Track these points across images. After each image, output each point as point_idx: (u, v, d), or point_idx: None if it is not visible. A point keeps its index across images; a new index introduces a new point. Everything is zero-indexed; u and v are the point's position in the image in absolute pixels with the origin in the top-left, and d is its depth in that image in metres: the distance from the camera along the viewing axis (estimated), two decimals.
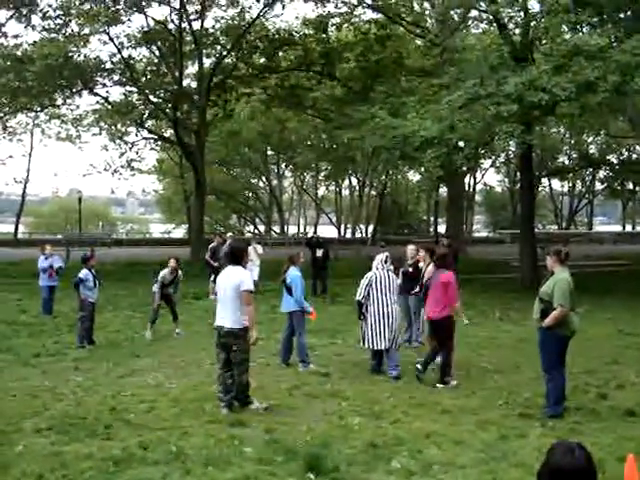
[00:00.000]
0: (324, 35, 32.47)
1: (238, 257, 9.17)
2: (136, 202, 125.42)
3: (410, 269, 13.01)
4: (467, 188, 55.51)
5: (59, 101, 33.06)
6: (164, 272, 14.90)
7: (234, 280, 8.86)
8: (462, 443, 7.58)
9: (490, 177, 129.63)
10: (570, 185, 65.09)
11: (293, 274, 11.51)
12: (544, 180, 60.00)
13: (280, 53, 33.55)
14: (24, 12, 29.51)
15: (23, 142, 47.55)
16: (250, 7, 31.83)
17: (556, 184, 65.02)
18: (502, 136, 19.47)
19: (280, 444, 7.43)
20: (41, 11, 29.26)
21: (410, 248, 13.62)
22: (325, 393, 9.75)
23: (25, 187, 55.65)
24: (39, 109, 34.98)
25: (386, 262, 11.12)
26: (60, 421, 8.41)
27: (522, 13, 21.85)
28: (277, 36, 32.52)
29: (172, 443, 7.45)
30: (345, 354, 12.65)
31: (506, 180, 63.92)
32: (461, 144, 20.54)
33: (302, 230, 67.44)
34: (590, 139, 55.50)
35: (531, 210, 25.42)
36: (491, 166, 59.01)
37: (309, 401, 9.41)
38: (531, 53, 21.75)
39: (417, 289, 12.41)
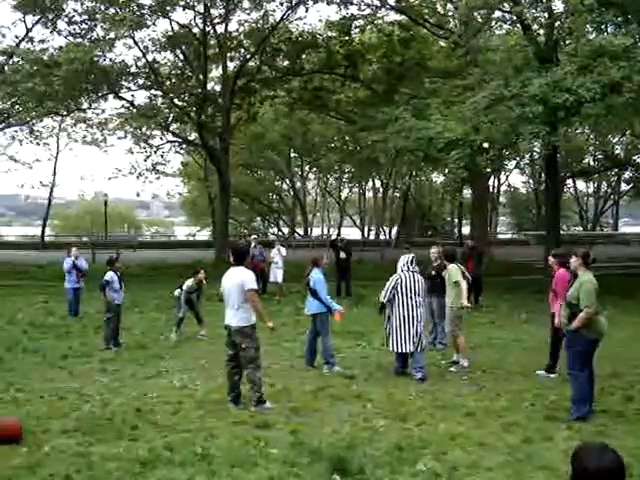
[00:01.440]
0: (347, 37, 32.48)
1: (241, 257, 9.36)
2: (161, 205, 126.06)
3: (433, 272, 12.97)
4: (491, 189, 55.23)
5: (85, 105, 33.34)
6: (189, 282, 14.97)
7: (237, 280, 9.06)
8: (487, 445, 7.57)
9: (514, 178, 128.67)
10: (595, 186, 64.59)
11: (316, 276, 11.55)
12: (569, 181, 59.59)
13: (303, 56, 33.58)
14: (50, 17, 29.82)
15: (49, 146, 48.05)
16: (274, 10, 31.92)
17: (581, 185, 64.62)
18: (527, 137, 19.37)
19: (305, 446, 7.46)
20: (67, 16, 29.55)
21: (432, 251, 13.58)
22: (350, 395, 9.76)
23: (52, 190, 56.18)
24: (65, 113, 35.28)
25: (411, 263, 11.10)
26: (87, 422, 8.49)
27: (546, 14, 21.77)
28: (300, 39, 32.61)
29: (198, 444, 7.51)
30: (370, 356, 12.66)
31: (531, 181, 63.50)
32: (485, 145, 20.46)
33: (326, 232, 67.46)
34: (615, 140, 54.96)
35: (556, 212, 25.27)
36: (515, 167, 58.72)
37: (334, 403, 9.42)
38: (555, 54, 21.63)
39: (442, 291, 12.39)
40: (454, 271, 11.86)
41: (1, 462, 7.08)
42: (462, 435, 7.89)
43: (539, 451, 7.40)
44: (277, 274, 22.02)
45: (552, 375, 10.82)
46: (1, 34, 30.79)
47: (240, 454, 7.15)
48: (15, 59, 29.70)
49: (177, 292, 15.01)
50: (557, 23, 21.80)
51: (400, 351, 10.95)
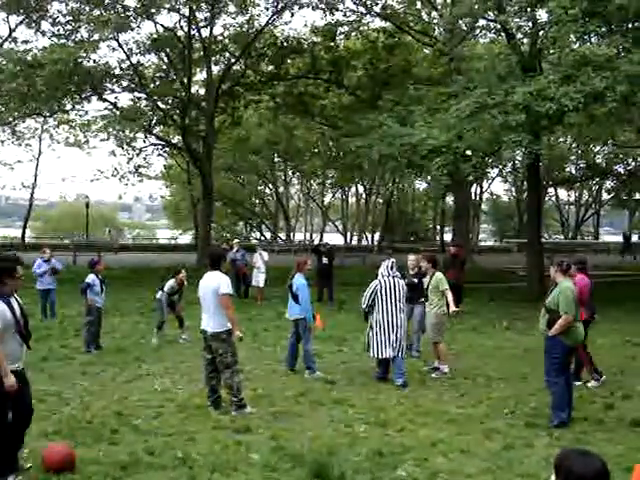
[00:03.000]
0: (332, 43, 32.60)
1: (216, 262, 9.33)
2: (143, 208, 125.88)
3: (415, 280, 12.90)
4: (474, 197, 55.52)
5: (68, 106, 33.17)
6: (171, 282, 14.93)
7: (213, 284, 9.04)
8: (468, 452, 7.58)
9: (497, 186, 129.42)
10: (577, 195, 65.06)
11: (299, 282, 11.52)
12: (551, 190, 60.01)
13: (288, 61, 33.68)
14: (34, 18, 29.69)
15: (31, 147, 47.73)
16: (259, 15, 32.00)
17: (563, 194, 65.08)
18: (510, 145, 19.46)
19: (286, 451, 7.44)
20: (51, 17, 29.44)
21: (410, 259, 13.50)
22: (331, 400, 9.75)
23: (33, 192, 55.84)
24: (48, 114, 35.09)
25: (392, 269, 11.11)
26: (67, 425, 8.44)
27: (530, 23, 21.87)
28: (286, 44, 32.67)
29: (178, 449, 7.48)
30: (351, 361, 12.65)
31: (513, 189, 63.87)
32: (468, 153, 20.52)
33: (308, 237, 67.49)
34: (597, 149, 55.41)
35: (538, 220, 25.37)
36: (498, 175, 59.02)
37: (315, 408, 9.41)
38: (539, 63, 21.75)
39: (422, 299, 12.35)
40: (443, 279, 11.84)
41: None
42: (443, 441, 7.90)
43: (520, 458, 7.43)
44: (259, 278, 22.01)
45: (602, 379, 10.84)
46: None
47: (221, 459, 7.12)
48: None
49: (159, 294, 14.96)
50: (541, 32, 21.90)
51: (381, 357, 10.95)
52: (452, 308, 11.80)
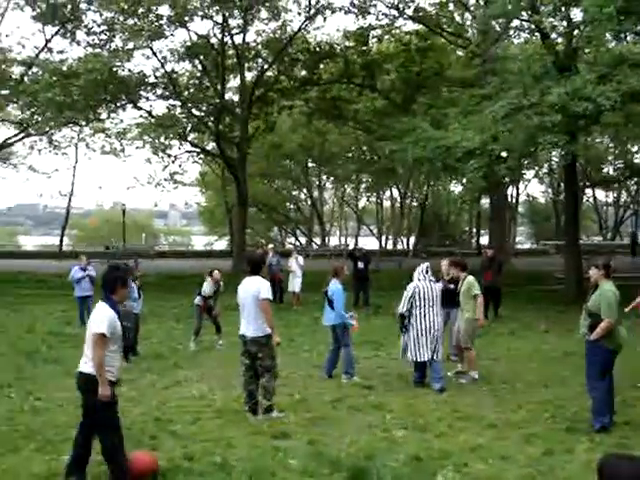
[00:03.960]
0: (365, 47, 32.57)
1: (256, 267, 9.36)
2: (178, 214, 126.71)
3: (451, 285, 12.63)
4: (510, 199, 55.02)
5: (103, 115, 33.53)
6: (207, 284, 14.99)
7: (253, 289, 9.04)
8: (508, 457, 7.48)
9: (533, 188, 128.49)
10: (615, 195, 64.14)
11: (334, 287, 11.47)
12: (588, 190, 59.24)
13: (321, 65, 33.73)
14: (69, 28, 30.08)
15: (68, 156, 48.26)
16: (291, 20, 32.12)
17: (600, 194, 64.16)
18: (546, 146, 19.26)
19: (324, 456, 7.40)
20: (86, 27, 29.80)
21: (444, 264, 13.26)
22: (369, 405, 9.70)
23: (70, 200, 56.50)
24: (84, 123, 35.47)
25: (427, 272, 11.04)
26: None
27: (565, 22, 21.66)
28: (318, 49, 32.71)
29: (217, 454, 7.47)
30: (388, 366, 12.59)
31: (549, 191, 63.19)
32: (504, 155, 20.37)
33: (343, 242, 67.42)
34: (635, 148, 54.60)
35: (575, 221, 25.07)
36: (534, 177, 58.44)
37: (353, 413, 9.37)
38: (575, 62, 21.51)
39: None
40: (474, 283, 11.66)
41: (21, 470, 7.08)
42: (482, 447, 7.81)
43: (560, 463, 7.31)
44: (295, 283, 22.03)
45: None
46: (21, 45, 31.23)
47: (259, 464, 7.10)
48: (34, 69, 30.02)
49: (197, 300, 15.03)
50: (576, 32, 21.68)
51: (418, 360, 10.87)
52: (480, 320, 11.57)
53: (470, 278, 11.68)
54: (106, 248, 48.28)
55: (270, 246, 26.79)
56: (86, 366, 6.62)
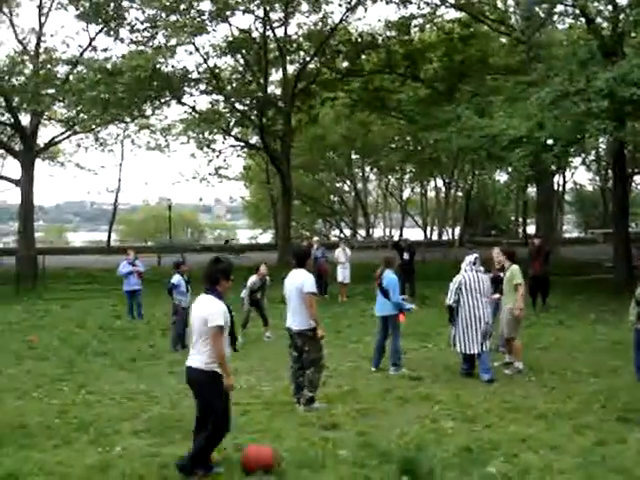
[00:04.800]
0: (407, 37, 32.36)
1: (302, 260, 9.34)
2: (223, 209, 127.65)
3: (500, 273, 12.49)
4: (557, 187, 54.29)
5: (148, 112, 33.86)
6: (253, 278, 15.06)
7: (297, 282, 9.07)
8: (559, 448, 7.40)
9: (580, 175, 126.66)
10: None
11: (389, 277, 11.44)
12: (637, 177, 58.15)
13: (363, 56, 33.61)
14: (113, 26, 30.38)
15: (114, 152, 48.95)
16: (332, 12, 32.02)
17: None
18: (593, 133, 18.96)
19: (374, 447, 7.41)
20: (129, 24, 30.09)
21: (495, 252, 13.09)
22: (417, 397, 9.68)
23: (117, 196, 57.27)
24: (129, 120, 35.87)
25: (475, 264, 10.94)
26: (156, 423, 8.60)
27: (610, 6, 21.29)
28: (360, 39, 32.60)
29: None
30: (436, 357, 12.54)
31: (597, 178, 62.23)
32: (550, 142, 20.09)
33: (388, 233, 67.28)
34: None
35: (624, 208, 24.65)
36: (581, 164, 57.59)
37: (401, 405, 9.36)
38: (621, 47, 21.14)
39: (497, 295, 11.90)
40: (517, 272, 11.51)
41: (75, 462, 7.21)
42: (532, 437, 7.74)
43: (612, 453, 7.20)
44: (344, 274, 22.00)
45: None
46: (65, 44, 31.68)
47: (308, 455, 7.13)
48: (79, 68, 30.40)
49: (243, 293, 15.12)
50: (622, 15, 21.30)
51: (467, 352, 10.80)
52: (517, 307, 11.26)
53: (514, 267, 11.53)
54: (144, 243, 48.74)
55: (315, 239, 26.83)
56: (196, 360, 6.66)
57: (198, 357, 6.64)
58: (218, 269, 6.88)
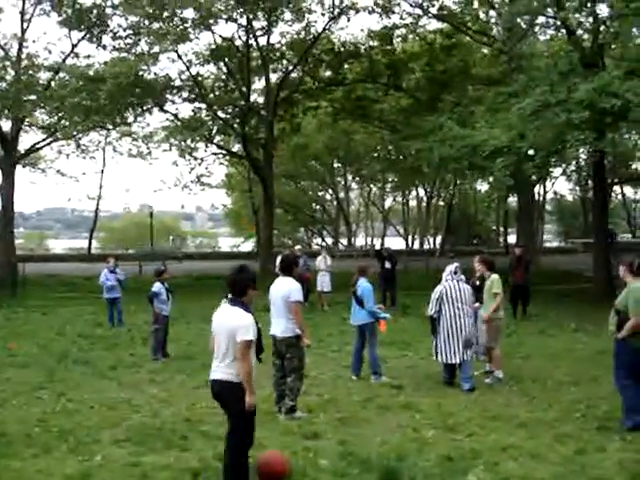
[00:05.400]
0: (389, 46, 32.52)
1: (288, 268, 9.32)
2: (205, 216, 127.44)
3: (477, 282, 12.53)
4: (537, 197, 54.59)
5: (130, 119, 33.70)
6: None
7: (283, 290, 9.08)
8: (539, 457, 7.45)
9: (561, 185, 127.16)
10: None
11: (364, 285, 11.47)
12: (616, 188, 58.62)
13: (346, 66, 33.71)
14: (95, 32, 30.30)
15: (95, 159, 48.59)
16: (315, 21, 32.04)
17: (629, 191, 63.51)
18: (574, 144, 19.09)
19: (355, 456, 7.42)
20: (112, 31, 30.05)
21: (475, 261, 13.11)
22: (398, 405, 9.69)
23: (98, 203, 56.98)
24: (111, 127, 35.72)
25: (456, 273, 10.99)
26: (137, 432, 8.57)
27: (591, 18, 21.50)
28: (343, 49, 32.71)
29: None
30: (417, 366, 12.58)
31: (577, 188, 62.64)
32: (531, 152, 20.22)
33: (369, 242, 67.36)
34: None
35: (604, 218, 24.85)
36: (562, 174, 57.94)
37: (382, 413, 9.37)
38: (601, 58, 21.35)
39: (477, 304, 11.85)
40: (496, 282, 11.53)
41: (54, 471, 7.17)
42: (513, 446, 7.77)
43: (592, 462, 7.26)
44: (325, 283, 21.99)
45: None
46: (47, 50, 31.44)
47: (290, 465, 7.13)
48: (61, 75, 30.30)
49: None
50: (602, 27, 21.51)
51: (449, 362, 10.83)
52: (486, 314, 11.29)
53: (494, 276, 11.55)
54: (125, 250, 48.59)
55: (297, 247, 26.83)
56: (225, 373, 6.43)
57: (227, 370, 6.41)
58: (245, 278, 6.67)
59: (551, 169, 42.38)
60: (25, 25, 31.67)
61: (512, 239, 51.86)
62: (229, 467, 6.41)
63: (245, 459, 6.48)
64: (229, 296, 6.65)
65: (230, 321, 6.41)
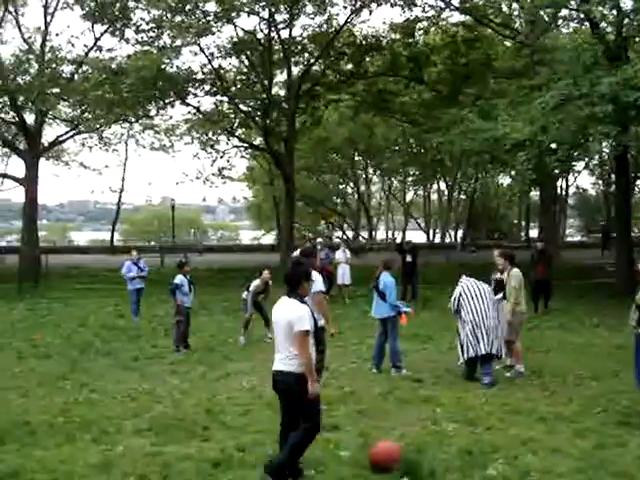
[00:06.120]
0: (411, 39, 32.37)
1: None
2: (226, 209, 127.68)
3: (499, 275, 12.47)
4: (560, 191, 54.24)
5: (153, 112, 33.88)
6: (256, 282, 15.10)
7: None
8: (559, 451, 7.43)
9: (583, 179, 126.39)
10: None
11: (387, 279, 11.49)
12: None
13: (367, 59, 33.58)
14: (118, 26, 30.42)
15: (118, 152, 48.90)
16: (337, 14, 31.97)
17: None
18: (597, 137, 18.96)
19: None
20: (134, 25, 30.11)
21: (496, 254, 13.04)
22: (418, 399, 9.71)
23: (120, 196, 57.27)
24: (133, 120, 35.92)
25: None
26: (159, 422, 8.65)
27: (615, 11, 21.30)
28: (364, 42, 32.60)
29: (268, 446, 7.54)
30: (437, 360, 12.58)
31: (600, 182, 62.12)
32: (554, 146, 20.10)
33: (390, 235, 67.23)
34: None
35: (627, 213, 24.65)
36: (584, 168, 57.48)
37: (402, 406, 9.39)
38: (625, 52, 21.15)
39: (500, 295, 11.91)
40: (516, 275, 11.47)
41: (77, 460, 7.26)
42: (533, 440, 7.77)
43: (613, 457, 7.23)
44: (344, 275, 22.05)
45: None
46: (70, 43, 31.60)
47: (310, 456, 7.13)
48: (84, 68, 30.47)
49: (245, 294, 15.18)
50: (626, 20, 21.31)
51: (472, 355, 10.80)
52: (506, 309, 11.30)
53: (515, 270, 11.50)
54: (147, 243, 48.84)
55: (319, 240, 26.87)
56: (286, 364, 6.48)
57: (288, 361, 6.47)
58: (301, 271, 6.77)
59: (574, 163, 42.15)
60: (48, 18, 31.99)
61: (534, 233, 51.56)
62: (285, 454, 6.53)
63: (309, 442, 6.61)
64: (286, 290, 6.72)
65: (287, 313, 6.52)
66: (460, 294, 10.92)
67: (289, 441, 6.55)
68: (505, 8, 33.08)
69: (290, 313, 6.47)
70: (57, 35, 32.80)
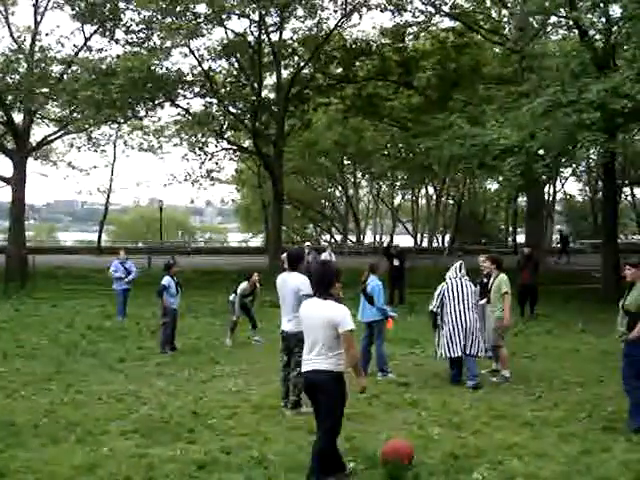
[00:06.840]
0: (401, 44, 32.46)
1: (295, 263, 9.30)
2: (215, 211, 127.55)
3: (485, 280, 12.51)
4: (547, 197, 54.48)
5: (142, 113, 33.75)
6: (244, 285, 15.10)
7: (292, 286, 9.03)
8: (544, 456, 7.46)
9: (570, 186, 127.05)
10: None
11: (374, 283, 11.52)
12: (626, 189, 58.43)
13: (357, 63, 33.64)
14: (108, 27, 30.35)
15: (106, 153, 48.69)
16: (328, 18, 31.98)
17: (639, 193, 63.18)
18: (584, 144, 19.07)
19: (360, 452, 7.46)
20: (124, 25, 30.04)
21: (481, 259, 13.10)
22: (404, 402, 9.73)
23: (108, 197, 57.05)
24: (122, 121, 35.81)
25: (460, 270, 11.09)
26: (144, 424, 8.63)
27: (603, 19, 21.45)
28: (354, 46, 32.66)
29: (254, 449, 7.55)
30: (424, 364, 12.61)
31: (587, 189, 62.44)
32: (541, 152, 20.21)
33: (378, 239, 67.35)
34: None
35: (613, 220, 24.81)
36: (572, 175, 57.77)
37: (388, 410, 9.41)
38: (613, 59, 21.31)
39: (484, 300, 11.84)
40: (505, 280, 11.49)
41: (62, 461, 7.23)
42: (519, 445, 7.79)
43: (597, 462, 7.26)
44: None
45: None
46: (60, 43, 31.48)
47: (296, 459, 7.17)
48: (74, 68, 30.36)
49: (232, 297, 15.18)
50: (615, 28, 21.47)
51: (450, 356, 10.91)
52: (505, 320, 11.26)
53: (502, 276, 11.52)
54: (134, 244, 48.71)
55: (306, 243, 26.88)
56: (323, 363, 6.48)
57: (325, 360, 6.47)
58: (331, 271, 6.81)
59: (561, 169, 42.38)
60: (38, 18, 31.83)
61: (521, 239, 51.75)
62: (321, 451, 6.53)
63: (335, 444, 6.65)
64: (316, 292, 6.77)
65: (327, 314, 6.50)
66: (443, 293, 10.99)
67: (313, 452, 6.55)
68: (495, 14, 33.29)
69: (332, 314, 6.48)
70: (47, 35, 32.45)
